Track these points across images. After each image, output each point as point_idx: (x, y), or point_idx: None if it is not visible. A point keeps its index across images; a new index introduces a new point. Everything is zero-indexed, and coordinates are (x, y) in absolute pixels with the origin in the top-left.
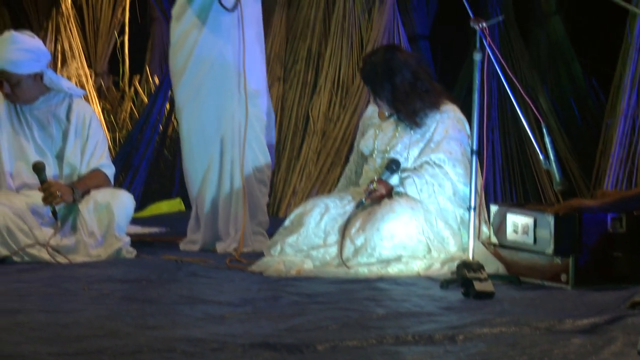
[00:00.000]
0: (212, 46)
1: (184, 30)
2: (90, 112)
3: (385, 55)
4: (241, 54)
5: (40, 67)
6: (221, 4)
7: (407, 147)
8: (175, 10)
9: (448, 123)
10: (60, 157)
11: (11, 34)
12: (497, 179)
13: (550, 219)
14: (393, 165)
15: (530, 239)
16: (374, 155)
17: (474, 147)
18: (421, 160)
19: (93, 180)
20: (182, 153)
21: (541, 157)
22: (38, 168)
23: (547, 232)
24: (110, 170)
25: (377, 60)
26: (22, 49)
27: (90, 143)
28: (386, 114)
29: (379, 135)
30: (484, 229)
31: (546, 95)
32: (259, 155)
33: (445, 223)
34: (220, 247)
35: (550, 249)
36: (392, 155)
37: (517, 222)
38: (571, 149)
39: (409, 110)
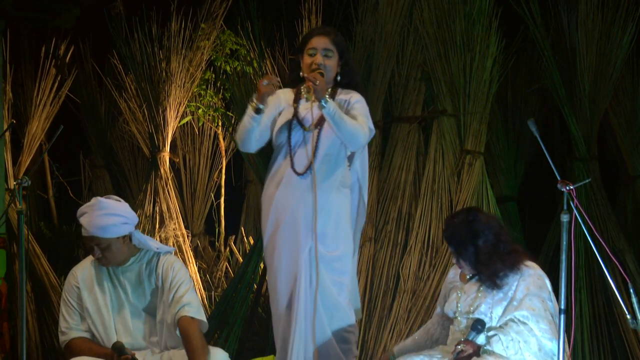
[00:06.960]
0: (286, 205)
1: (267, 186)
2: (175, 264)
3: (467, 217)
4: (313, 217)
5: (129, 230)
6: (292, 168)
7: (490, 307)
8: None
9: (529, 281)
10: (153, 313)
11: (97, 201)
12: (584, 338)
13: None
14: (478, 325)
15: None
16: (458, 317)
17: (562, 307)
18: (506, 319)
19: (189, 349)
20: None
21: (628, 317)
22: (117, 347)
23: None
24: (198, 314)
25: (460, 222)
26: (109, 214)
27: (178, 293)
28: (467, 276)
29: (462, 297)
30: None
31: (633, 256)
32: (336, 314)
33: None
34: None
35: None
36: (477, 315)
37: None
38: None
39: (491, 272)
